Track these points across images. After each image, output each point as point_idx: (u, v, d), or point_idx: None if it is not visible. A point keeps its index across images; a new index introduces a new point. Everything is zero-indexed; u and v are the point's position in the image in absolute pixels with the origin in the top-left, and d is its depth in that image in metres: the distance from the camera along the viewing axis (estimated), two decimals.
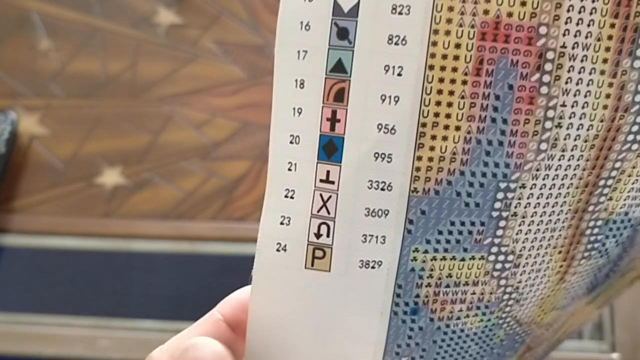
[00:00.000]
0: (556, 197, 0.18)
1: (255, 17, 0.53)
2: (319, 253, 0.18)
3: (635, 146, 0.18)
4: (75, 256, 0.49)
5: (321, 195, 0.18)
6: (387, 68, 0.16)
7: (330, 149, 0.17)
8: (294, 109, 0.17)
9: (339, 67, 0.17)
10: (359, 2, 0.16)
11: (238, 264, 0.47)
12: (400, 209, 0.18)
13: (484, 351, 0.21)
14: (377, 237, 0.18)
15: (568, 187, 0.18)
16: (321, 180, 0.18)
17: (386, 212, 0.18)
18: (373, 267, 0.18)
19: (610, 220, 0.19)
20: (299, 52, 0.17)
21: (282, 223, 0.18)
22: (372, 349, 0.19)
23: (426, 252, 0.18)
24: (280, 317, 0.19)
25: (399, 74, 0.16)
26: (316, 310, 0.19)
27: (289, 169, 0.18)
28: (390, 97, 0.17)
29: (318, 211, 0.18)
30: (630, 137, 0.18)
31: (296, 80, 0.17)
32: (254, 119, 0.50)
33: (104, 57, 0.52)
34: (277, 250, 0.19)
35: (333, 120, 0.17)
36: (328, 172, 0.18)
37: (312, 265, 0.18)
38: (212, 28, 0.53)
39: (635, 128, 0.17)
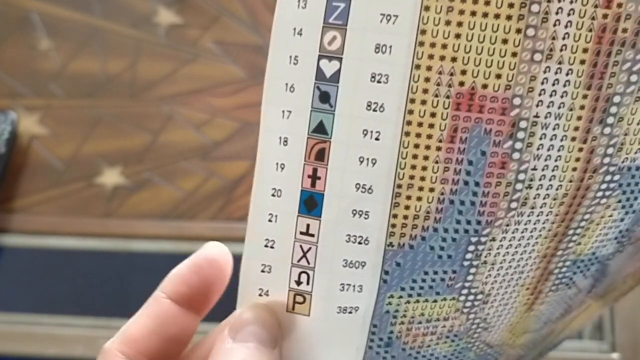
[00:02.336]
0: (525, 247, 0.19)
1: (255, 17, 0.53)
2: (299, 299, 0.20)
3: (604, 200, 0.19)
4: (75, 256, 0.49)
5: (301, 246, 0.19)
6: (365, 132, 0.17)
7: (311, 204, 0.19)
8: (277, 164, 0.18)
9: (320, 128, 0.18)
10: (340, 69, 0.17)
11: (238, 264, 0.47)
12: (376, 261, 0.19)
13: None
14: (354, 286, 0.19)
15: (537, 238, 0.19)
16: (301, 233, 0.19)
17: (363, 264, 0.19)
18: (350, 312, 0.20)
19: (578, 260, 0.21)
20: (283, 111, 0.18)
21: (262, 271, 0.20)
22: None
23: (400, 297, 0.20)
24: None
25: (377, 139, 0.17)
26: (297, 349, 0.20)
27: (269, 220, 0.19)
28: (368, 159, 0.18)
29: (298, 261, 0.19)
30: (599, 194, 0.19)
31: (280, 138, 0.18)
32: (254, 119, 0.50)
33: (104, 57, 0.52)
34: (260, 295, 0.20)
35: (314, 177, 0.18)
36: (308, 225, 0.19)
37: (293, 309, 0.20)
38: (212, 28, 0.53)
39: (604, 186, 0.19)
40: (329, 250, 0.19)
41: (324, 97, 0.17)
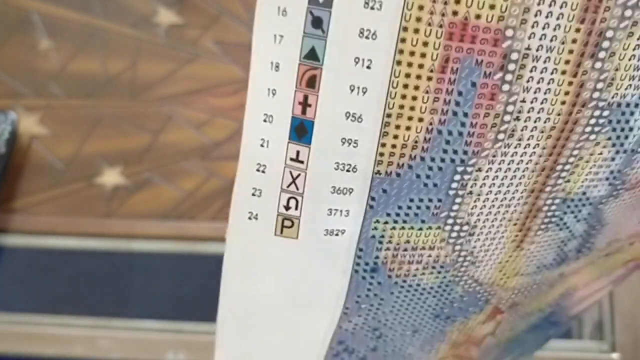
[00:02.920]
0: (511, 179, 0.19)
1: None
2: (287, 223, 0.20)
3: (593, 136, 0.19)
4: (75, 256, 0.49)
5: (291, 172, 0.19)
6: (357, 60, 0.17)
7: (301, 131, 0.18)
8: (268, 89, 0.18)
9: (312, 55, 0.17)
10: None
11: None
12: (363, 187, 0.19)
13: (442, 303, 0.23)
14: (341, 210, 0.20)
15: (523, 171, 0.19)
16: (291, 159, 0.19)
17: (350, 190, 0.19)
18: (337, 235, 0.20)
19: (568, 199, 0.21)
20: (275, 36, 0.17)
21: (253, 194, 0.20)
22: (334, 296, 0.22)
23: (386, 223, 0.20)
24: (252, 276, 0.22)
25: (368, 67, 0.17)
26: (285, 270, 0.21)
27: (262, 145, 0.19)
28: (358, 87, 0.17)
29: (288, 186, 0.19)
30: (588, 129, 0.19)
31: (272, 63, 0.18)
32: None
33: (104, 57, 0.52)
34: (249, 218, 0.20)
35: (305, 104, 0.18)
36: (298, 152, 0.19)
37: (281, 232, 0.20)
38: (212, 28, 0.53)
39: (592, 121, 0.19)
40: (317, 177, 0.19)
41: (317, 23, 0.17)
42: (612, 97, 0.18)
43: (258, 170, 0.19)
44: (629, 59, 0.18)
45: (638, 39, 0.17)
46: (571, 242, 0.23)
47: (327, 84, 0.18)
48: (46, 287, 0.49)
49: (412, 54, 0.17)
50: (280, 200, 0.20)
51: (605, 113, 0.19)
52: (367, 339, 0.24)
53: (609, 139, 0.19)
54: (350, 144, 0.18)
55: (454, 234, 0.21)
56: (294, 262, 0.21)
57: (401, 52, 0.17)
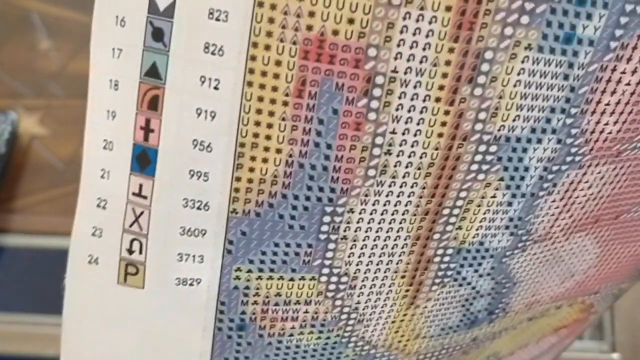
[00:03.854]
0: (390, 223, 0.17)
1: None
2: (131, 269, 0.17)
3: (481, 176, 0.17)
4: None
5: (133, 209, 0.17)
6: (203, 79, 0.15)
7: (144, 160, 0.16)
8: (107, 111, 0.16)
9: (153, 72, 0.15)
10: (174, 2, 0.15)
11: None
12: (218, 229, 0.17)
13: None
14: (194, 256, 0.17)
15: (404, 214, 0.17)
16: (134, 194, 0.16)
17: (203, 232, 0.17)
18: (192, 285, 0.17)
19: (463, 250, 0.18)
20: (114, 49, 0.15)
21: (93, 234, 0.17)
22: (196, 356, 0.19)
23: (250, 271, 0.17)
24: (97, 324, 0.19)
25: (216, 87, 0.15)
26: (135, 324, 0.18)
27: (102, 177, 0.17)
28: (206, 111, 0.15)
29: (130, 226, 0.17)
30: (475, 167, 0.17)
31: (111, 81, 0.16)
32: None
33: None
34: (89, 262, 0.17)
35: (147, 129, 0.16)
36: (141, 185, 0.16)
37: (125, 281, 0.17)
38: None
39: (478, 157, 0.16)
40: (163, 216, 0.16)
41: (158, 35, 0.15)
42: (499, 130, 0.16)
43: (98, 205, 0.17)
44: (514, 85, 0.15)
45: (522, 62, 0.15)
46: (478, 301, 0.20)
47: (171, 106, 0.15)
48: (46, 287, 0.49)
49: (264, 74, 0.15)
50: (122, 243, 0.17)
51: (493, 148, 0.16)
52: None
53: (502, 179, 0.17)
54: (200, 177, 0.16)
55: (332, 286, 0.18)
56: (143, 316, 0.18)
57: (252, 71, 0.15)
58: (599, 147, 0.17)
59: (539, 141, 0.17)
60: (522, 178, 0.17)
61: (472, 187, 0.17)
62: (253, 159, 0.16)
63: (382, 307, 0.19)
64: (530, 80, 0.15)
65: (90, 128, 0.16)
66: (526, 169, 0.17)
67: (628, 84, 0.16)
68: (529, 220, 0.18)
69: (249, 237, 0.17)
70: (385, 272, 0.18)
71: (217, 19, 0.14)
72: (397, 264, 0.18)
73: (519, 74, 0.15)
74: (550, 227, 0.19)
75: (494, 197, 0.17)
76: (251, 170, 0.16)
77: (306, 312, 0.18)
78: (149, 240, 0.17)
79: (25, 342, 0.46)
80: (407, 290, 0.19)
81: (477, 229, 0.18)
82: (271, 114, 0.15)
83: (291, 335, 0.19)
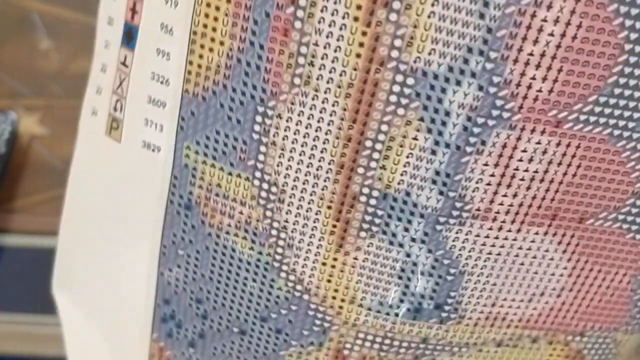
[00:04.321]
0: (314, 140, 0.18)
1: None
2: (114, 124, 0.21)
3: (401, 110, 0.17)
4: None
5: (120, 75, 0.20)
6: None
7: (129, 36, 0.20)
8: None
9: None
10: None
11: None
12: (174, 104, 0.19)
13: (267, 300, 0.21)
14: (156, 124, 0.20)
15: (327, 134, 0.18)
16: (121, 63, 0.20)
17: (164, 104, 0.20)
18: (153, 150, 0.20)
19: (390, 196, 0.18)
20: None
21: (97, 92, 0.21)
22: (151, 222, 0.21)
23: (197, 153, 0.20)
24: (87, 177, 0.23)
25: None
26: (110, 175, 0.22)
27: (105, 47, 0.20)
28: (172, 1, 0.18)
29: (117, 89, 0.20)
30: (393, 98, 0.17)
31: None
32: None
33: None
34: (92, 114, 0.22)
35: (134, 10, 0.19)
36: (126, 56, 0.20)
37: (110, 133, 0.21)
38: None
39: (396, 88, 0.17)
40: (136, 84, 0.20)
41: None
42: (415, 62, 0.16)
43: (102, 70, 0.21)
44: (428, 16, 0.16)
45: None
46: (417, 278, 0.19)
47: None
48: (46, 287, 0.49)
49: None
50: (111, 101, 0.21)
51: (410, 81, 0.16)
52: (193, 314, 0.22)
53: (422, 119, 0.17)
54: (164, 55, 0.19)
55: (264, 193, 0.19)
56: (116, 168, 0.21)
57: None
58: (529, 107, 0.16)
59: (458, 83, 0.16)
60: (444, 123, 0.17)
61: (392, 122, 0.17)
62: (202, 46, 0.18)
63: (310, 236, 0.19)
64: (445, 14, 0.15)
65: (102, 5, 0.20)
66: (447, 114, 0.17)
67: (551, 35, 0.15)
68: (459, 182, 0.18)
69: (197, 117, 0.19)
70: (311, 194, 0.19)
71: None
72: (323, 189, 0.19)
73: (432, 4, 0.15)
74: (490, 202, 0.18)
75: (415, 139, 0.17)
76: (200, 56, 0.18)
77: (241, 212, 0.20)
78: (126, 102, 0.20)
79: (25, 342, 0.46)
80: (334, 226, 0.19)
81: (401, 174, 0.18)
82: (217, 8, 0.17)
83: (227, 233, 0.20)
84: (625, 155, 0.17)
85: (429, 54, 0.16)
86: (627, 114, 0.17)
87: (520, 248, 0.19)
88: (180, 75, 0.19)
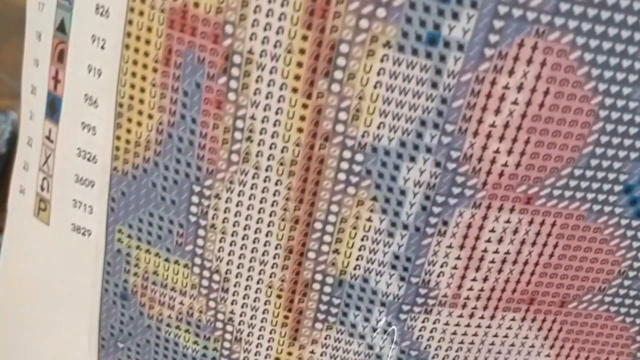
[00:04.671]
0: (258, 222, 0.16)
1: None
2: (42, 205, 0.19)
3: (351, 189, 0.15)
4: None
5: (45, 151, 0.18)
6: (94, 38, 0.16)
7: (53, 107, 0.18)
8: (33, 59, 0.18)
9: (62, 27, 0.17)
10: None
11: None
12: (103, 183, 0.18)
13: None
14: (85, 205, 0.18)
15: (271, 215, 0.16)
16: (46, 137, 0.18)
17: (92, 183, 0.18)
18: (84, 234, 0.18)
19: (346, 283, 0.17)
20: (39, 3, 0.17)
21: (24, 168, 0.19)
22: (87, 313, 0.19)
23: (130, 237, 0.18)
24: (16, 257, 0.21)
25: (102, 47, 0.16)
26: (41, 259, 0.20)
27: (30, 118, 0.18)
28: (95, 68, 0.16)
29: (42, 165, 0.19)
30: (342, 176, 0.15)
31: (36, 32, 0.17)
32: None
33: None
34: (20, 192, 0.20)
35: (56, 80, 0.17)
36: (50, 129, 0.18)
37: (38, 215, 0.19)
38: None
39: (344, 165, 0.15)
40: (62, 161, 0.18)
41: None
42: (363, 136, 0.15)
43: (28, 143, 0.19)
44: (374, 87, 0.14)
45: (382, 61, 0.14)
46: None
47: (71, 60, 0.17)
48: None
49: (138, 38, 0.16)
50: (38, 179, 0.19)
51: (359, 157, 0.15)
52: None
53: (375, 199, 0.15)
54: (89, 129, 0.17)
55: (205, 282, 0.17)
56: (47, 253, 0.19)
57: (129, 35, 0.16)
58: (494, 183, 0.15)
59: (413, 159, 0.15)
60: (400, 203, 0.15)
61: (343, 202, 0.16)
62: (129, 120, 0.16)
63: (260, 329, 0.18)
64: (393, 84, 0.14)
65: (24, 72, 0.18)
66: (403, 192, 0.15)
67: (515, 103, 0.14)
68: (422, 266, 0.16)
69: (128, 198, 0.17)
70: (258, 282, 0.17)
71: None
72: (271, 277, 0.17)
73: (378, 74, 0.14)
74: (458, 287, 0.16)
75: (369, 220, 0.16)
76: (128, 131, 0.17)
77: (182, 303, 0.18)
78: (53, 181, 0.18)
79: None
80: (286, 317, 0.17)
81: (357, 259, 0.16)
82: (143, 78, 0.16)
83: (168, 325, 0.18)
84: (608, 232, 0.16)
85: (378, 127, 0.14)
86: (606, 186, 0.15)
87: (495, 335, 0.17)
88: (107, 151, 0.17)
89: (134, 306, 0.19)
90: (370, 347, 0.17)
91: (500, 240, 0.16)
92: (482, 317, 0.17)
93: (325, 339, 0.17)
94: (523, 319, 0.17)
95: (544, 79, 0.14)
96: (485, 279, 0.16)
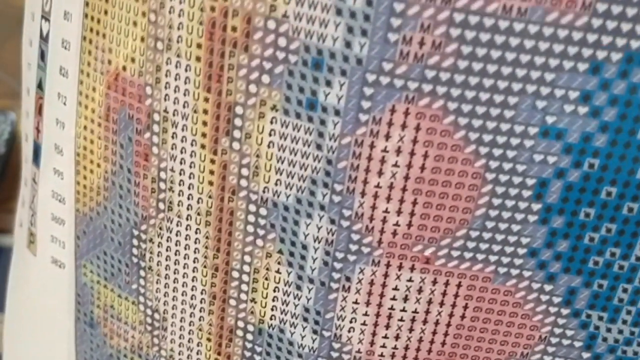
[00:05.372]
0: (184, 267, 0.17)
1: None
2: (31, 238, 0.21)
3: (259, 242, 0.16)
4: None
5: (32, 192, 0.20)
6: (58, 95, 0.18)
7: (36, 154, 0.20)
8: (26, 112, 0.20)
9: (40, 85, 0.19)
10: (49, 30, 0.18)
11: None
12: (70, 222, 0.19)
13: None
14: (60, 241, 0.20)
15: (194, 261, 0.17)
16: (32, 179, 0.20)
17: (63, 222, 0.20)
18: (60, 267, 0.20)
19: (265, 332, 0.17)
20: (28, 64, 0.20)
21: (22, 205, 0.22)
22: (66, 336, 0.21)
23: (92, 272, 0.19)
24: (15, 283, 0.23)
25: (64, 103, 0.18)
26: (30, 287, 0.22)
27: (25, 162, 0.21)
28: (60, 121, 0.19)
29: (31, 204, 0.21)
30: (250, 228, 0.16)
31: (26, 88, 0.20)
32: None
33: None
34: (19, 225, 0.22)
35: (38, 129, 0.19)
36: (35, 173, 0.20)
37: (29, 246, 0.21)
38: None
39: (251, 218, 0.16)
40: (42, 201, 0.20)
41: (42, 55, 0.18)
42: (264, 192, 0.15)
43: (24, 183, 0.21)
44: (268, 146, 0.15)
45: (271, 123, 0.15)
46: None
47: (45, 114, 0.19)
48: None
49: (87, 97, 0.17)
50: (29, 216, 0.21)
51: (263, 211, 0.16)
52: None
53: (281, 252, 0.16)
54: (59, 175, 0.19)
55: (149, 320, 0.18)
56: (35, 280, 0.21)
57: (81, 94, 0.18)
58: (390, 241, 0.15)
59: (309, 216, 0.15)
60: (303, 257, 0.16)
61: (254, 253, 0.16)
62: (85, 168, 0.18)
63: None
64: (283, 144, 0.15)
65: (22, 122, 0.21)
66: (304, 247, 0.16)
67: (396, 166, 0.14)
68: (332, 320, 0.16)
69: (88, 237, 0.19)
70: (190, 324, 0.18)
71: (65, 48, 0.18)
72: (200, 320, 0.18)
73: (270, 134, 0.15)
74: (370, 343, 0.16)
75: (278, 272, 0.16)
76: (85, 177, 0.19)
77: (133, 337, 0.19)
78: (37, 219, 0.20)
79: None
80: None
81: (272, 309, 0.17)
82: (92, 132, 0.18)
83: (125, 356, 0.20)
84: (520, 296, 0.15)
85: (276, 184, 0.15)
86: (509, 249, 0.15)
87: None
88: (72, 194, 0.19)
89: (99, 335, 0.20)
90: None
91: (405, 299, 0.16)
92: None
93: None
94: None
95: (420, 142, 0.14)
96: (397, 337, 0.16)
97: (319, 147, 0.14)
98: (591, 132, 0.13)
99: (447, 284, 0.15)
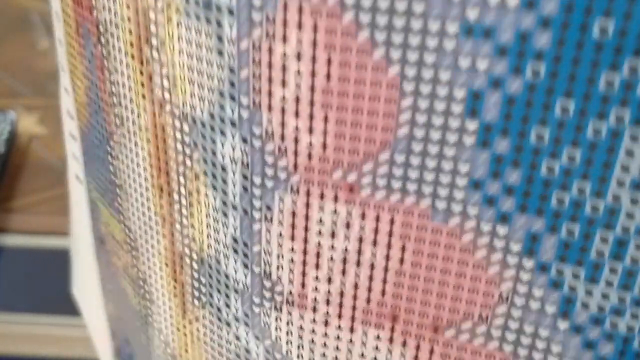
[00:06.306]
0: (140, 187, 0.16)
1: None
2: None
3: (188, 161, 0.15)
4: None
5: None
6: (58, 14, 0.20)
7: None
8: (67, 111, 0.21)
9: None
10: None
11: None
12: (79, 138, 0.21)
13: None
14: (77, 157, 0.21)
15: (145, 181, 0.16)
16: (76, 176, 0.22)
17: (76, 139, 0.20)
18: (81, 183, 0.21)
19: (205, 262, 0.16)
20: (65, 89, 0.21)
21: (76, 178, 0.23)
22: (92, 249, 0.22)
23: (94, 189, 0.20)
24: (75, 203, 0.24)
25: (59, 20, 0.20)
26: (75, 206, 0.23)
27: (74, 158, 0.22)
28: (59, 40, 0.20)
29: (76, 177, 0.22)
30: (180, 147, 0.15)
31: (67, 111, 0.21)
32: None
33: None
34: (76, 178, 0.23)
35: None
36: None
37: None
38: None
39: (178, 135, 0.15)
40: (64, 122, 0.21)
41: None
42: (183, 106, 0.14)
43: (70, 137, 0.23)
44: (179, 54, 0.14)
45: (177, 27, 0.13)
46: None
47: (56, 34, 0.20)
48: (46, 287, 0.49)
49: (65, 12, 0.18)
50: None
51: (186, 127, 0.14)
52: (127, 329, 0.22)
53: (205, 174, 0.15)
54: (66, 92, 0.20)
55: (128, 240, 0.18)
56: (79, 201, 0.23)
57: (63, 10, 0.18)
58: (306, 165, 0.13)
59: (223, 133, 0.14)
60: (225, 181, 0.14)
61: (186, 174, 0.15)
62: (75, 84, 0.19)
63: (162, 294, 0.17)
64: (190, 51, 0.13)
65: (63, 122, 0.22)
66: (224, 169, 0.14)
67: (299, 74, 0.12)
68: (260, 255, 0.15)
69: (86, 153, 0.20)
70: (152, 246, 0.17)
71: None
72: (158, 243, 0.17)
73: (178, 40, 0.14)
74: (302, 285, 0.14)
75: (207, 196, 0.15)
76: (77, 93, 0.19)
77: (123, 257, 0.19)
78: (66, 137, 0.22)
79: (25, 342, 0.46)
80: (175, 287, 0.17)
81: (207, 237, 0.15)
82: (73, 47, 0.18)
83: (121, 276, 0.20)
84: (467, 240, 0.12)
85: (191, 97, 0.14)
86: (445, 179, 0.12)
87: (362, 356, 0.15)
88: (74, 110, 0.20)
89: (107, 253, 0.21)
90: (237, 338, 0.16)
91: (333, 235, 0.14)
92: (339, 328, 0.14)
93: (203, 318, 0.16)
94: (390, 341, 0.14)
95: (321, 45, 0.12)
96: (329, 280, 0.14)
97: (220, 53, 0.13)
98: (528, 29, 0.10)
99: (377, 219, 0.13)
